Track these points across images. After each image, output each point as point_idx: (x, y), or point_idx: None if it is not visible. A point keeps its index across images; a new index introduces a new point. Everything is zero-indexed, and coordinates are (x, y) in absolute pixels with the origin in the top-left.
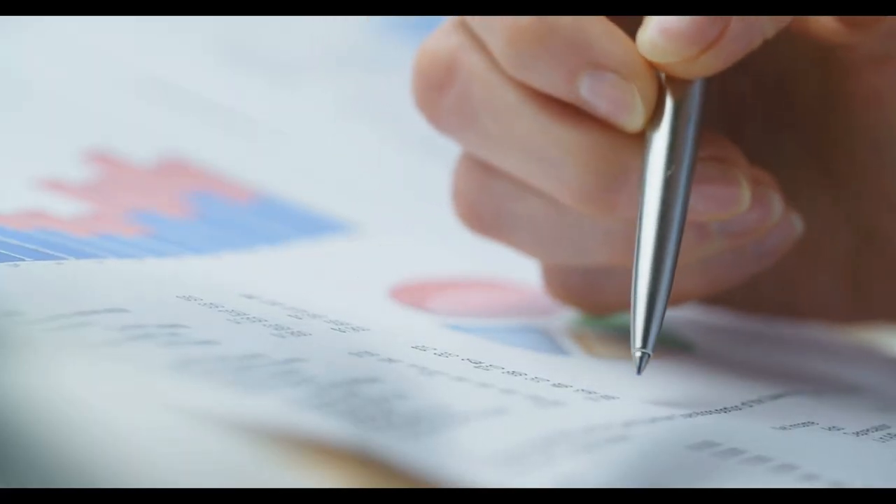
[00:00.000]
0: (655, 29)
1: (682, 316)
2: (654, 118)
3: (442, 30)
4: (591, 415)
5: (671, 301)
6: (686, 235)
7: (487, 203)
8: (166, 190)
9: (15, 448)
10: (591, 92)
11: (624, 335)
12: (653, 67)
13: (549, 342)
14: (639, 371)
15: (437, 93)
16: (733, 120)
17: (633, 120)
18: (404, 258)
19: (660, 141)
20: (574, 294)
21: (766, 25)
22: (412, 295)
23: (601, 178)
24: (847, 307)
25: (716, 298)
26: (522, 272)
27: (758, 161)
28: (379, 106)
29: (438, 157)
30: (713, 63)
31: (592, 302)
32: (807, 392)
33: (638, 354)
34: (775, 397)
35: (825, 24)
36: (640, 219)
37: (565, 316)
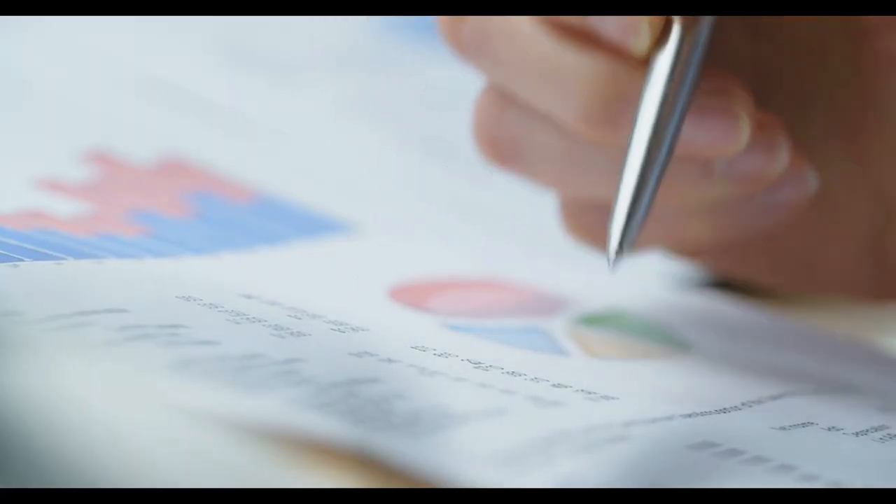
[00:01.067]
0: None
1: (682, 316)
2: (660, 45)
3: None
4: (590, 415)
5: (683, 252)
6: (690, 171)
7: (505, 132)
8: (166, 190)
9: (15, 448)
10: (599, 16)
11: (624, 336)
12: None
13: (549, 342)
14: (610, 267)
15: (458, 20)
16: (761, 91)
17: (639, 42)
18: (404, 258)
19: (662, 62)
20: (590, 231)
21: None
22: (412, 295)
23: (605, 101)
24: (871, 283)
25: (736, 267)
26: (522, 272)
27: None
28: (379, 106)
29: (438, 157)
30: None
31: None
32: (807, 392)
33: (613, 251)
34: (775, 397)
35: None
36: (633, 129)
37: (565, 316)
